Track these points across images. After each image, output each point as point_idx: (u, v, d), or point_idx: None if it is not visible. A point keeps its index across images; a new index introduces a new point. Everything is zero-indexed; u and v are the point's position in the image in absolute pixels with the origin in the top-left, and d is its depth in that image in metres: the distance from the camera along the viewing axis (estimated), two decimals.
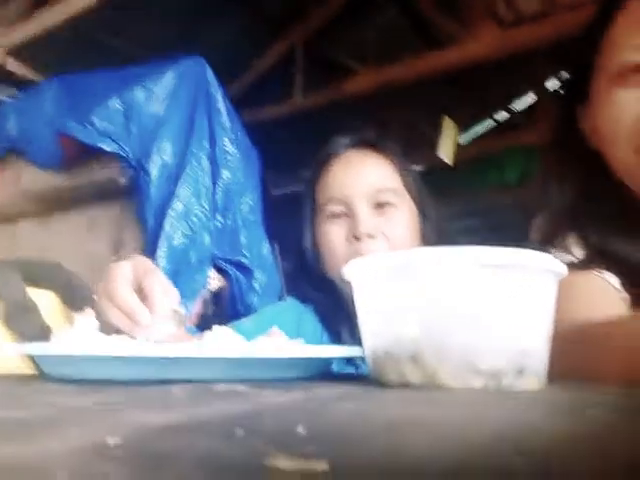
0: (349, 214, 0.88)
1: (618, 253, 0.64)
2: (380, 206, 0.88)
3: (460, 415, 0.26)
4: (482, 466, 0.15)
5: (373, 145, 0.93)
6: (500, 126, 4.04)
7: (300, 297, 0.95)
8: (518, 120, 3.88)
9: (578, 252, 0.67)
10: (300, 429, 0.19)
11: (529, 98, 3.74)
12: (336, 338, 0.88)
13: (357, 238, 0.85)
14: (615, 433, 0.21)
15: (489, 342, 0.39)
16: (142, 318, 0.54)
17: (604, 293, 0.63)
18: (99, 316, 0.55)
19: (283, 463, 0.14)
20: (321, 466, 0.13)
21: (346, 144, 0.94)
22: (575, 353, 0.50)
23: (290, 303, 0.94)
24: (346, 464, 0.14)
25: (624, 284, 0.64)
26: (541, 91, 3.39)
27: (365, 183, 0.89)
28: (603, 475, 0.14)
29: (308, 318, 0.91)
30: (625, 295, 0.64)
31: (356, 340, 0.83)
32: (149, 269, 0.59)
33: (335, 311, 0.90)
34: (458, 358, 0.39)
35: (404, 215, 0.90)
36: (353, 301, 0.90)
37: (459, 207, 3.45)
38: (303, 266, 0.96)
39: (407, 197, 0.92)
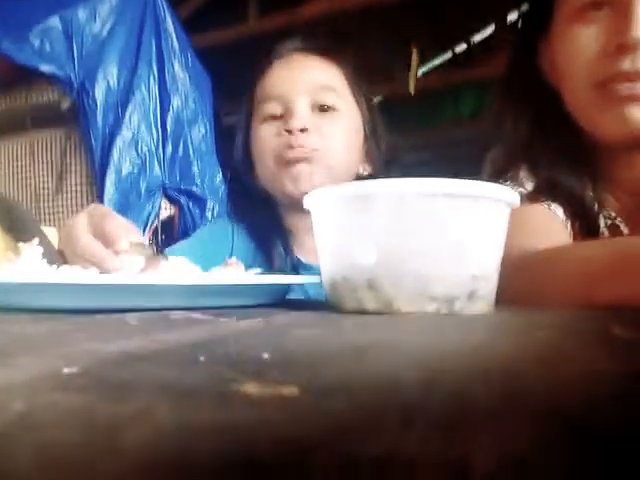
0: (286, 114, 0.81)
1: (564, 185, 0.66)
2: (321, 108, 0.82)
3: (417, 338, 0.27)
4: (443, 383, 0.15)
5: (323, 51, 0.86)
6: (458, 58, 4.00)
7: (236, 216, 0.92)
8: (476, 53, 3.84)
9: (529, 185, 0.69)
10: (265, 355, 0.19)
11: (488, 30, 3.70)
12: (267, 256, 0.84)
13: (289, 131, 0.79)
14: (561, 352, 0.22)
15: (442, 269, 0.40)
16: (110, 263, 0.52)
17: (551, 223, 0.65)
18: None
19: (252, 389, 0.13)
20: (290, 391, 0.13)
21: (292, 47, 0.87)
22: (526, 279, 0.52)
23: (222, 224, 0.92)
24: (313, 388, 0.14)
25: (568, 215, 0.67)
26: (500, 24, 3.36)
27: (306, 80, 0.82)
28: (557, 393, 0.15)
29: (241, 238, 0.89)
30: (569, 225, 0.67)
31: (287, 257, 0.83)
32: (105, 213, 0.57)
33: (267, 227, 0.86)
34: (413, 284, 0.40)
35: (345, 121, 0.83)
36: (284, 216, 0.89)
37: (413, 140, 3.45)
38: (237, 179, 0.90)
39: (353, 106, 0.86)
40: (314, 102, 0.82)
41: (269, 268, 0.83)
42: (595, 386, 0.16)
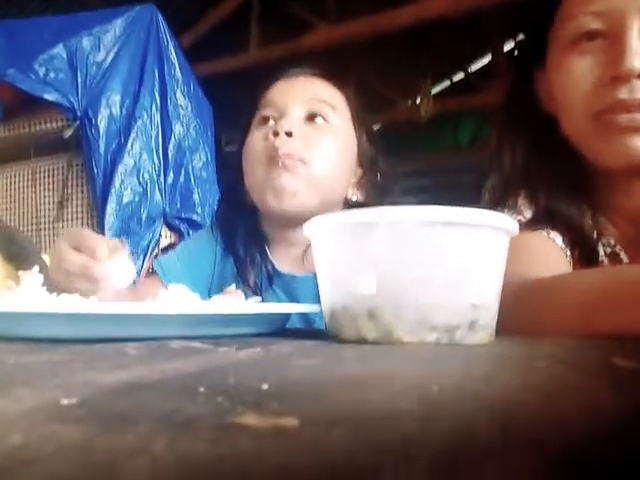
0: (277, 118, 0.81)
1: (562, 213, 0.67)
2: (313, 117, 0.81)
3: (418, 370, 0.27)
4: (444, 417, 0.15)
5: (326, 75, 0.87)
6: (455, 87, 4.06)
7: (220, 223, 0.91)
8: (473, 81, 3.90)
9: (528, 213, 0.69)
10: (264, 386, 0.19)
11: (485, 59, 3.76)
12: (242, 262, 0.84)
13: (275, 134, 0.78)
14: (562, 383, 0.22)
15: (443, 298, 0.40)
16: (97, 270, 0.57)
17: (550, 251, 0.65)
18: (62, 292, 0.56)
19: (251, 420, 0.13)
20: (290, 422, 0.13)
21: (297, 71, 0.87)
22: (525, 308, 0.52)
23: (206, 234, 0.92)
24: (313, 420, 0.14)
25: (567, 243, 0.67)
26: (497, 52, 3.42)
27: (305, 91, 0.83)
28: (558, 426, 0.15)
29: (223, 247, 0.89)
30: (568, 253, 0.67)
31: (263, 264, 0.83)
32: (78, 231, 0.64)
33: (247, 235, 0.86)
34: (413, 314, 0.40)
35: (337, 137, 0.82)
36: (263, 224, 0.89)
37: (412, 167, 3.48)
38: (228, 189, 0.91)
39: (349, 128, 0.85)
40: (308, 112, 0.82)
41: (243, 275, 0.83)
42: (596, 419, 0.16)
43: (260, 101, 0.86)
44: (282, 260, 0.86)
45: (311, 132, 0.80)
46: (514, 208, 0.69)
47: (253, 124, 0.85)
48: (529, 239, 0.65)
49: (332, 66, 0.94)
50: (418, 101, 2.74)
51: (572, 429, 0.14)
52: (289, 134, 0.77)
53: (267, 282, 0.83)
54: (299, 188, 0.77)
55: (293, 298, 0.82)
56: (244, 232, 0.87)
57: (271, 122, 0.82)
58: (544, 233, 0.67)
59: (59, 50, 2.07)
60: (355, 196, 0.86)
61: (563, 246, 0.67)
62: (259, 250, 0.85)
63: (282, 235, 0.85)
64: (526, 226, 0.66)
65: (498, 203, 0.70)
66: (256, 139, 0.82)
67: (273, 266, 0.85)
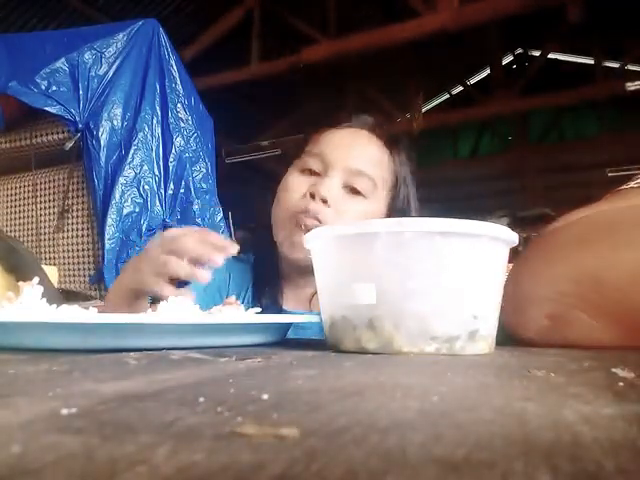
0: (321, 174, 0.83)
1: None
2: (352, 190, 0.83)
3: (418, 379, 0.27)
4: (443, 426, 0.15)
5: (373, 128, 0.88)
6: (455, 100, 4.08)
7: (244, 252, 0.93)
8: (472, 94, 3.93)
9: None
10: (264, 396, 0.19)
11: (484, 73, 3.79)
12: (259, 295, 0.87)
13: (312, 195, 0.80)
14: (562, 392, 0.22)
15: (442, 308, 0.40)
16: (219, 239, 0.65)
17: None
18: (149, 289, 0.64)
19: (251, 430, 0.13)
20: (290, 432, 0.13)
21: (351, 124, 0.88)
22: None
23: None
24: (313, 430, 0.14)
25: None
26: (495, 66, 3.44)
27: (353, 155, 0.84)
28: (556, 432, 0.15)
29: (238, 274, 0.91)
30: None
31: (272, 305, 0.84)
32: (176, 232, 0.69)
33: (264, 271, 0.89)
34: (413, 324, 0.40)
35: (368, 209, 0.84)
36: (279, 262, 0.90)
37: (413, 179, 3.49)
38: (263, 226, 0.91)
39: (384, 191, 0.86)
40: (350, 184, 0.83)
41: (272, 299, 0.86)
42: (597, 429, 0.16)
43: (308, 142, 0.88)
44: (289, 298, 0.88)
45: (347, 204, 0.82)
46: None
47: (296, 165, 0.87)
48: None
49: (331, 88, 0.94)
50: (411, 116, 2.76)
51: (574, 438, 0.14)
52: (325, 201, 0.80)
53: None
54: None
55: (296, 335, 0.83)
56: (263, 267, 0.90)
57: (312, 177, 0.84)
58: None
59: (61, 64, 2.08)
60: None
61: None
62: (270, 289, 0.88)
63: (293, 275, 0.88)
64: None
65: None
66: (294, 184, 0.84)
67: (280, 304, 0.87)
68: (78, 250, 2.14)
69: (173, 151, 2.26)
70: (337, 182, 0.82)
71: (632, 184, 0.49)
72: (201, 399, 0.19)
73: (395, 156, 0.88)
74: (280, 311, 0.86)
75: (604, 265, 0.47)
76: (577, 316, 0.47)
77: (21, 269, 0.87)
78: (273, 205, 0.87)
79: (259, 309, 0.57)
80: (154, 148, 2.22)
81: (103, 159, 2.11)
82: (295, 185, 0.84)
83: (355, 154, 0.84)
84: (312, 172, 0.84)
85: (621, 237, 0.48)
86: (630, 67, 6.19)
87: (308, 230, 0.78)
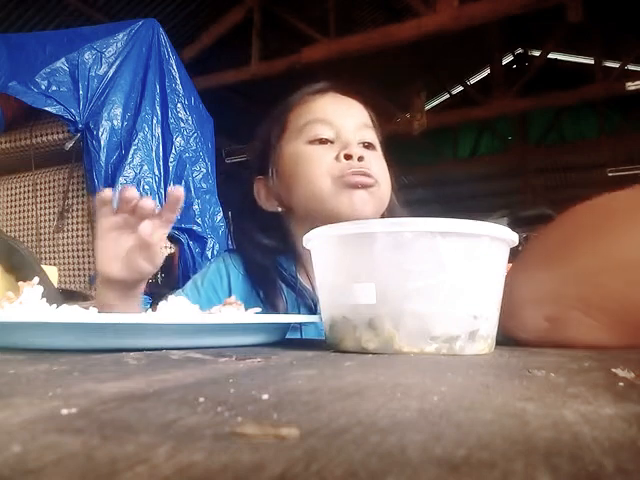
0: (337, 141, 0.84)
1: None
2: (364, 145, 0.86)
3: (418, 379, 0.27)
4: (444, 426, 0.15)
5: (355, 93, 0.92)
6: (455, 100, 4.08)
7: (238, 251, 0.92)
8: (472, 94, 3.93)
9: None
10: (264, 396, 0.19)
11: (484, 73, 3.79)
12: (269, 286, 0.84)
13: (348, 156, 0.81)
14: (562, 392, 0.22)
15: (442, 308, 0.40)
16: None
17: None
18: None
19: (251, 430, 0.13)
20: (290, 432, 0.13)
21: (327, 86, 0.91)
22: None
23: (215, 267, 0.92)
24: (313, 430, 0.14)
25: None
26: (495, 66, 3.44)
27: (353, 115, 0.87)
28: (556, 432, 0.15)
29: (239, 277, 0.88)
30: None
31: (293, 283, 0.83)
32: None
33: (270, 262, 0.86)
34: (413, 324, 0.40)
35: (383, 164, 0.88)
36: (295, 238, 0.91)
37: (412, 178, 3.49)
38: (250, 211, 0.91)
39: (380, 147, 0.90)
40: (362, 140, 0.86)
41: (268, 295, 0.83)
42: (597, 429, 0.16)
43: (296, 111, 0.88)
44: (311, 278, 0.85)
45: (371, 159, 0.84)
46: None
47: (299, 137, 0.86)
48: None
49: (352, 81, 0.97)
50: (412, 116, 2.76)
51: (574, 438, 0.14)
52: (361, 159, 0.82)
53: (294, 300, 0.83)
54: (370, 202, 0.82)
55: (313, 312, 0.82)
56: (266, 259, 0.87)
57: (328, 136, 0.84)
58: None
59: (61, 63, 2.08)
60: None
61: None
62: (288, 265, 0.86)
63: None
64: None
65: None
66: (321, 156, 0.83)
67: (302, 283, 0.85)
68: (78, 250, 2.14)
69: (173, 151, 2.26)
70: (356, 141, 0.85)
71: None
72: (201, 399, 0.19)
73: (371, 113, 0.92)
74: (301, 288, 0.84)
75: (603, 265, 0.47)
76: (576, 317, 0.47)
77: (21, 269, 0.87)
78: (292, 185, 0.85)
79: (259, 309, 0.57)
80: (154, 148, 2.22)
81: (103, 159, 2.11)
82: (319, 154, 0.84)
83: (354, 112, 0.88)
84: (321, 140, 0.84)
85: (621, 236, 0.48)
86: (630, 67, 6.18)
87: (364, 186, 0.80)
